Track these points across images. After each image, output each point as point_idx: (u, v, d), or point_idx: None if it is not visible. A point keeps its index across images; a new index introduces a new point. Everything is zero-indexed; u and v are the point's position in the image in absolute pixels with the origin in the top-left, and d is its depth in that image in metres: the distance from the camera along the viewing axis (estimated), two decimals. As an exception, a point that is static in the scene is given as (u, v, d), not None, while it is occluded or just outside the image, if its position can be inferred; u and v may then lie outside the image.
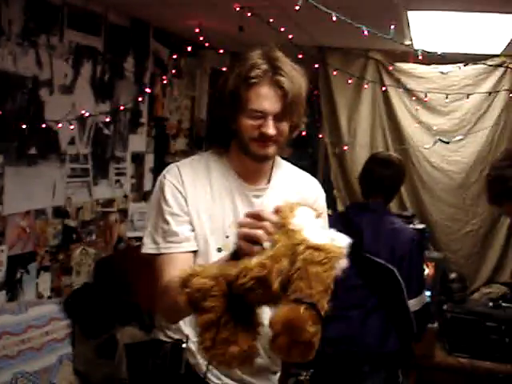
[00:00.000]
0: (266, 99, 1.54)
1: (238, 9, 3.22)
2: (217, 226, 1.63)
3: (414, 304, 2.81)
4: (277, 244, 1.19)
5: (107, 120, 3.56)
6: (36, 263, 3.07)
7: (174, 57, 4.12)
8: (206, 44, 3.88)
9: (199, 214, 1.62)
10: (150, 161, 4.19)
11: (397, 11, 3.12)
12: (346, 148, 4.41)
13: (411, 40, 3.89)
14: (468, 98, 4.15)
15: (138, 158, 4.03)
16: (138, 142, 4.03)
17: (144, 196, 4.13)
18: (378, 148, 4.40)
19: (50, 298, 3.18)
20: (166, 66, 4.21)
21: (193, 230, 1.61)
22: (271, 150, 1.61)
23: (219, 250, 1.62)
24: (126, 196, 3.93)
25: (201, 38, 3.75)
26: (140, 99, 3.86)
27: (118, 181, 3.82)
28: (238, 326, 1.23)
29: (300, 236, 1.18)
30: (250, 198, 1.68)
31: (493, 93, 4.18)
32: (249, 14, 3.24)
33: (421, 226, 4.11)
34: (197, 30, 3.71)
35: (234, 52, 4.50)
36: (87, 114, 3.32)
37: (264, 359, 1.68)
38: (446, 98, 4.13)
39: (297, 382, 3.47)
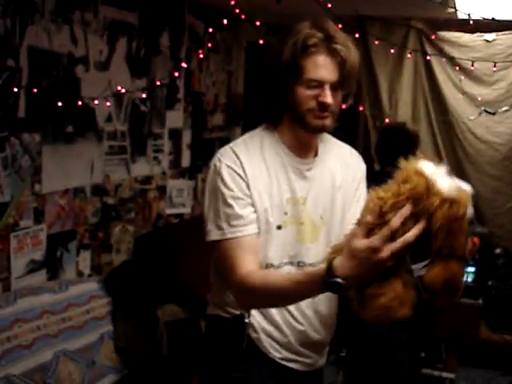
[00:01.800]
0: (323, 68, 1.52)
1: (274, -22, 3.13)
2: (276, 203, 1.60)
3: (419, 268, 2.74)
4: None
5: (144, 96, 3.52)
6: (75, 241, 3.08)
7: (210, 30, 4.04)
8: (242, 16, 3.79)
9: (260, 194, 1.59)
10: (187, 137, 4.14)
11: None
12: (387, 121, 4.29)
13: (455, 7, 3.73)
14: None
15: (175, 135, 3.99)
16: (175, 118, 3.98)
17: (182, 172, 4.11)
18: (420, 120, 4.28)
19: (90, 276, 3.19)
20: (202, 40, 4.14)
21: (255, 212, 1.58)
22: (328, 121, 1.58)
23: (279, 227, 1.61)
24: (164, 173, 3.90)
25: (237, 11, 3.65)
26: (176, 74, 3.80)
27: (155, 158, 3.79)
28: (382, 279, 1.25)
29: (427, 186, 1.19)
30: (304, 171, 1.66)
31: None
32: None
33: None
34: (232, 2, 3.62)
35: (270, 24, 4.41)
36: (123, 91, 3.28)
37: (320, 334, 1.71)
38: (494, 66, 3.95)
39: (338, 358, 3.46)
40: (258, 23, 3.90)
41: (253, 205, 1.57)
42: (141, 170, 3.65)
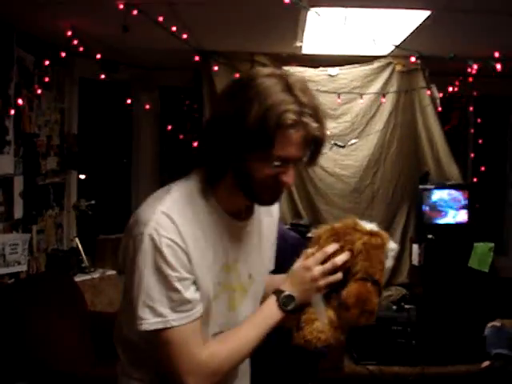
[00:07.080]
0: (293, 145, 1.25)
1: (121, 6, 2.87)
2: (212, 274, 1.34)
3: None
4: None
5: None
6: None
7: (47, 63, 3.62)
8: (81, 49, 3.44)
9: (201, 267, 1.30)
10: (19, 184, 3.65)
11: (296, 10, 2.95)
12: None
13: (302, 42, 3.73)
14: (362, 97, 4.09)
15: (5, 182, 3.50)
16: (5, 163, 3.49)
17: (15, 225, 3.59)
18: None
19: None
20: (32, 75, 3.70)
21: (198, 289, 1.30)
22: (281, 195, 1.38)
23: (214, 299, 1.35)
24: (-6, 227, 3.38)
25: (75, 42, 3.32)
26: (5, 114, 3.33)
27: (-16, 210, 3.27)
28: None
29: (354, 225, 1.41)
30: (241, 234, 1.42)
31: (381, 94, 4.15)
32: (135, 12, 2.91)
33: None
34: (69, 34, 3.28)
35: (105, 60, 4.10)
36: None
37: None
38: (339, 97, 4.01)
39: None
40: (98, 56, 3.58)
41: (195, 281, 1.30)
42: (-33, 226, 3.12)
